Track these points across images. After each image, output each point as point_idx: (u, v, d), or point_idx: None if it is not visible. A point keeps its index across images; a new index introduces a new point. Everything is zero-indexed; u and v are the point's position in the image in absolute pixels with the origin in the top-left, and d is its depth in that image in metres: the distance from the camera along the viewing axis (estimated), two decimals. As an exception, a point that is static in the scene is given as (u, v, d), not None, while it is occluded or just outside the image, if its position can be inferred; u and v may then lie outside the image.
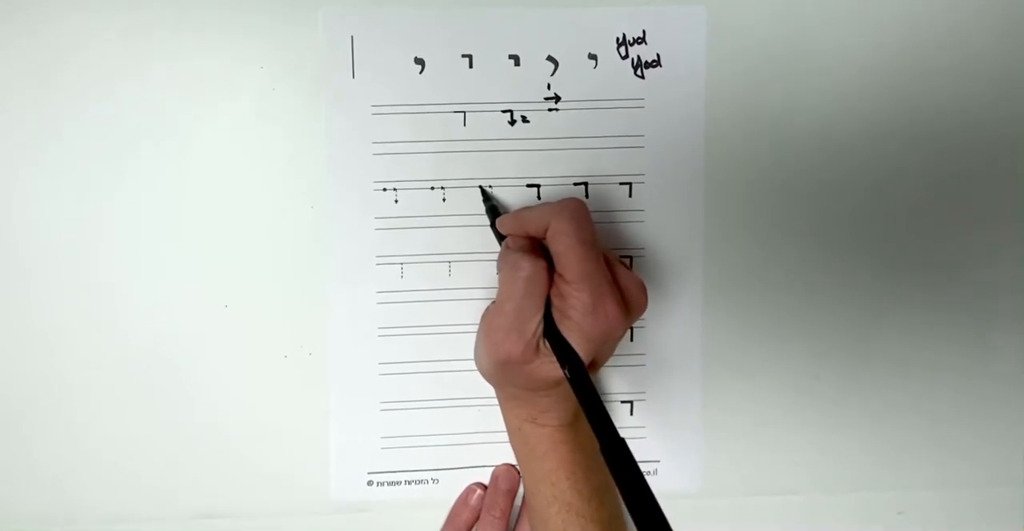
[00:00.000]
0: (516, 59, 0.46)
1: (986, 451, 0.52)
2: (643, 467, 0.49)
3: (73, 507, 0.49)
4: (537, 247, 0.42)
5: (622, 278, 0.41)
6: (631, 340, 0.49)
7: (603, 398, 0.48)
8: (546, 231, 0.40)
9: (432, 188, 0.47)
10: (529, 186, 0.47)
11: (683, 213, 0.48)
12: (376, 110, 0.46)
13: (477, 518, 0.50)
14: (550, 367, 0.40)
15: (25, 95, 0.45)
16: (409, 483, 0.50)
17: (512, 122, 0.47)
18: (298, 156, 0.46)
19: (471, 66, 0.46)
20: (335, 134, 0.46)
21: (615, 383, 0.50)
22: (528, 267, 0.39)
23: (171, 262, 0.47)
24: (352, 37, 0.46)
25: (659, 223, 0.48)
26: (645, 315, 0.48)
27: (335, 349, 0.48)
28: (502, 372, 0.42)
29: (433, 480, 0.50)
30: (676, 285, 0.49)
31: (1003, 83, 0.48)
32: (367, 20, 0.46)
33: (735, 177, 0.48)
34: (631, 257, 0.48)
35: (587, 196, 0.48)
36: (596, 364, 0.44)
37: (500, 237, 0.45)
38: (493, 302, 0.42)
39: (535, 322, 0.39)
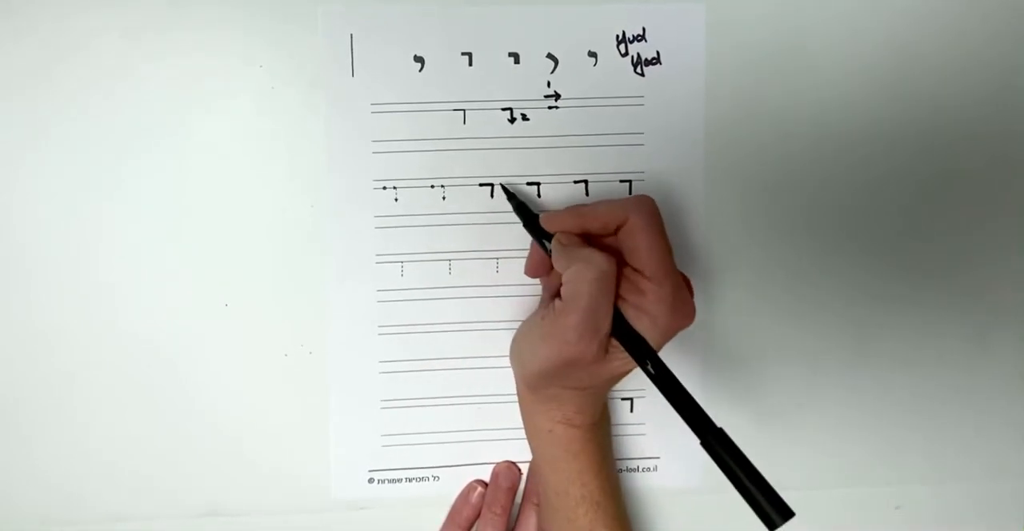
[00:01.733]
0: (516, 57, 0.46)
1: (983, 446, 0.52)
2: (644, 464, 0.50)
3: (73, 506, 0.49)
4: (592, 243, 0.42)
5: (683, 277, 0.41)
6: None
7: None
8: (617, 227, 0.40)
9: (432, 186, 0.47)
10: (529, 184, 0.47)
11: (683, 210, 0.48)
12: (376, 108, 0.46)
13: (478, 515, 0.50)
14: (616, 364, 0.40)
15: (23, 94, 0.45)
16: (410, 480, 0.50)
17: (512, 120, 0.47)
18: (298, 155, 0.46)
19: (471, 64, 0.46)
20: (334, 133, 0.46)
21: (615, 380, 0.50)
22: (602, 262, 0.39)
23: (171, 261, 0.47)
24: (351, 35, 0.45)
25: (659, 220, 0.48)
26: (645, 312, 0.49)
27: (335, 347, 0.48)
28: (562, 373, 0.41)
29: (434, 477, 0.50)
30: (676, 282, 0.49)
31: (1004, 80, 0.49)
32: (366, 18, 0.45)
33: (735, 174, 0.48)
34: (631, 254, 0.48)
35: (587, 194, 0.48)
36: None
37: (538, 234, 0.44)
38: (556, 300, 0.41)
39: (609, 320, 0.39)
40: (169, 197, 0.46)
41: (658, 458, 0.51)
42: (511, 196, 0.46)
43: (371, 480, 0.49)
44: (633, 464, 0.50)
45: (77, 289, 0.46)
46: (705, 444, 0.37)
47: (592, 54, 0.47)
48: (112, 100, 0.45)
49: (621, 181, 0.48)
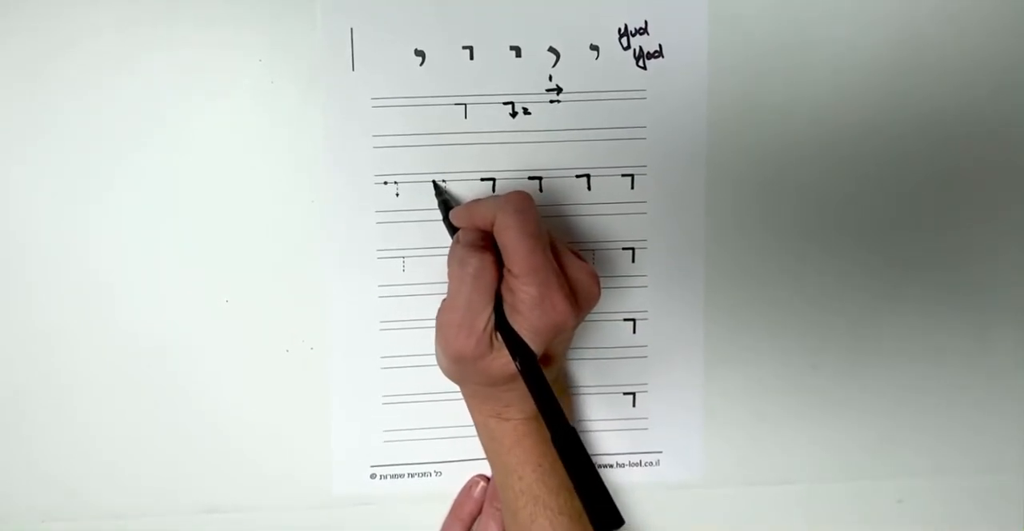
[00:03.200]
0: (517, 50, 0.46)
1: (985, 439, 0.52)
2: (645, 458, 0.50)
3: (75, 504, 0.48)
4: (488, 240, 0.41)
5: (572, 269, 0.41)
6: (633, 332, 0.49)
7: (605, 389, 0.49)
8: (492, 225, 0.40)
9: (433, 181, 0.47)
10: (531, 178, 0.47)
11: (685, 204, 0.48)
12: (376, 103, 0.46)
13: (480, 510, 0.50)
14: (504, 361, 0.40)
15: (19, 89, 0.45)
16: (412, 476, 0.50)
17: (513, 114, 0.47)
18: (298, 150, 0.46)
19: (472, 58, 0.46)
20: (335, 127, 0.46)
21: (617, 374, 0.50)
22: (475, 262, 0.39)
23: (171, 257, 0.47)
24: (351, 29, 0.45)
25: (661, 214, 0.48)
26: (648, 306, 0.49)
27: (337, 343, 0.48)
28: (459, 369, 0.42)
29: (436, 473, 0.50)
30: (678, 276, 0.49)
31: (1006, 75, 0.48)
32: (366, 12, 0.45)
33: (737, 168, 0.48)
34: (633, 248, 0.48)
35: (589, 188, 0.47)
36: (553, 357, 0.44)
37: (453, 231, 0.45)
38: (444, 299, 0.42)
39: (485, 317, 0.39)
40: (168, 193, 0.46)
41: (660, 453, 0.51)
42: (438, 192, 0.46)
43: (373, 476, 0.49)
44: (635, 458, 0.50)
45: (76, 286, 0.46)
46: (556, 441, 0.38)
47: (594, 47, 0.46)
48: (109, 95, 0.45)
49: (623, 175, 0.47)
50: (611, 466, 0.50)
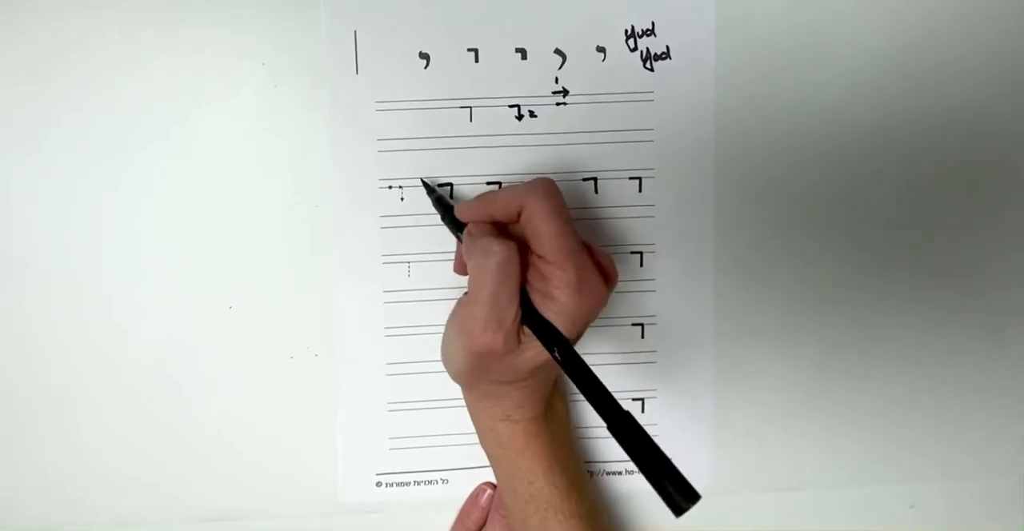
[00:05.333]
0: (523, 52, 0.46)
1: (997, 443, 0.52)
2: (654, 464, 0.50)
3: (79, 511, 0.48)
4: (505, 232, 0.40)
5: (596, 254, 0.40)
6: (642, 337, 0.49)
7: (614, 396, 0.48)
8: (518, 214, 0.39)
9: (439, 185, 0.46)
10: (537, 182, 0.47)
11: (693, 207, 0.48)
12: (380, 106, 0.45)
13: (487, 518, 0.49)
14: (531, 354, 0.39)
15: (24, 93, 0.44)
16: (418, 484, 0.49)
17: (519, 117, 0.46)
18: (302, 154, 0.46)
19: (477, 60, 0.45)
20: (339, 131, 0.45)
21: (626, 380, 0.49)
22: (500, 251, 0.38)
23: (174, 263, 0.46)
24: (355, 32, 0.45)
25: (669, 217, 0.48)
26: (656, 311, 0.48)
27: (342, 350, 0.48)
28: (480, 367, 0.40)
29: (442, 480, 0.49)
30: (687, 279, 0.48)
31: (1016, 75, 0.48)
32: (371, 14, 0.45)
33: (746, 170, 0.48)
34: (641, 252, 0.48)
35: (596, 191, 0.47)
36: (572, 342, 0.43)
37: (454, 227, 0.44)
38: (464, 294, 0.41)
39: (512, 310, 0.38)
40: (171, 199, 0.46)
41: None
42: (430, 191, 0.46)
43: (379, 483, 0.49)
44: (644, 464, 0.50)
45: (79, 293, 0.46)
46: (612, 429, 0.36)
47: (601, 49, 0.46)
48: (113, 99, 0.45)
49: (631, 178, 0.47)
50: (620, 473, 0.50)
